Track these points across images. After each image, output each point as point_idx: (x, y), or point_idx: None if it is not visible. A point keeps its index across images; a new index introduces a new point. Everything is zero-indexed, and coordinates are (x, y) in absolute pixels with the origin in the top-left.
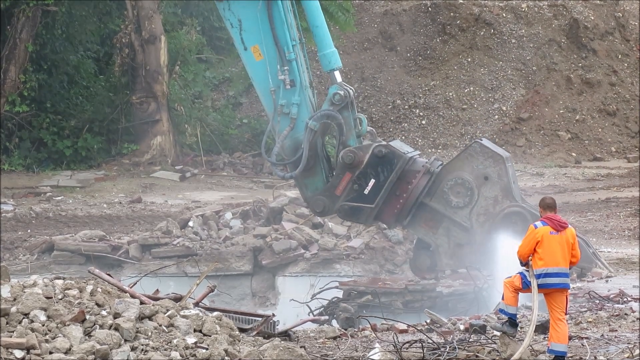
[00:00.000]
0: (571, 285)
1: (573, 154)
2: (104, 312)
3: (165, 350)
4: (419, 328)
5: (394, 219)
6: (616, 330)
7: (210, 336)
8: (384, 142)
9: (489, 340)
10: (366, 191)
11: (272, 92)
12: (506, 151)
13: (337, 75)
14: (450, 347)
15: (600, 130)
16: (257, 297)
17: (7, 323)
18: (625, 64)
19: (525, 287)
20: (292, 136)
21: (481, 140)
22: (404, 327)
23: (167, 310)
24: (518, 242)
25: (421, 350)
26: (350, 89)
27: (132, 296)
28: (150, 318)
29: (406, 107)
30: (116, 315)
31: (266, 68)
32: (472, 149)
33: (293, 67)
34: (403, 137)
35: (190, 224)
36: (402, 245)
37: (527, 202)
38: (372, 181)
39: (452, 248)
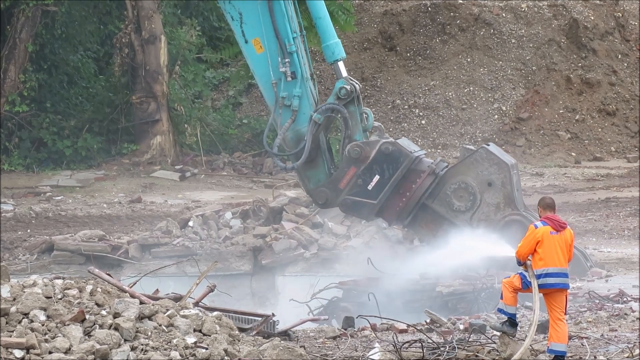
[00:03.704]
0: (571, 285)
1: (573, 153)
2: (103, 312)
3: (165, 350)
4: (418, 328)
5: (396, 217)
6: (616, 330)
7: (210, 336)
8: (391, 140)
9: (489, 340)
10: (370, 187)
11: (274, 85)
12: (511, 157)
13: (342, 66)
14: (450, 346)
15: (600, 130)
16: (257, 296)
17: (7, 323)
18: (625, 64)
19: (525, 287)
20: (294, 128)
21: (488, 145)
22: (404, 327)
23: (167, 310)
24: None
25: (421, 350)
26: (357, 83)
27: (132, 296)
28: (150, 318)
29: (406, 107)
30: (116, 315)
31: (267, 61)
32: (478, 155)
33: (294, 59)
34: (403, 137)
35: (190, 223)
36: (402, 245)
37: (529, 211)
38: (377, 177)
39: None
